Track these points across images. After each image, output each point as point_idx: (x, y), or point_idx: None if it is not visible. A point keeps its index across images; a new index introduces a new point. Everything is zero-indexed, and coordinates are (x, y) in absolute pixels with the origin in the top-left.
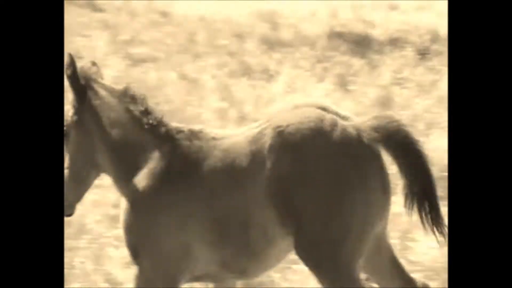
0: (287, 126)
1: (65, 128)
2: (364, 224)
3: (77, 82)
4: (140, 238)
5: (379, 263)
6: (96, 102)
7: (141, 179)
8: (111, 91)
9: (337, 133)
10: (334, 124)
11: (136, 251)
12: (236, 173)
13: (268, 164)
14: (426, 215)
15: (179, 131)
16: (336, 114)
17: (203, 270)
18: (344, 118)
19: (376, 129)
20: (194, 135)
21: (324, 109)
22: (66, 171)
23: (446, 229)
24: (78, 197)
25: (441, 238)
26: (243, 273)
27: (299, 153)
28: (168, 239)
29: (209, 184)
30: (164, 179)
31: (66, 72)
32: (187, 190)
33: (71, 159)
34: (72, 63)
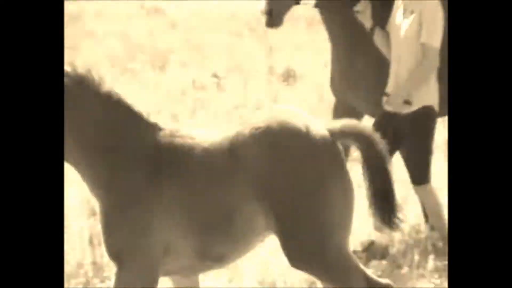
0: (265, 126)
1: None
2: (345, 215)
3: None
4: (123, 240)
5: None
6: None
7: (123, 178)
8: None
9: (312, 133)
10: (307, 125)
11: (118, 253)
12: (216, 171)
13: (248, 162)
14: (383, 213)
15: (160, 128)
16: (308, 118)
17: (180, 262)
18: (315, 122)
19: (345, 131)
20: (173, 133)
21: (296, 113)
22: None
23: (400, 221)
24: None
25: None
26: (221, 260)
27: (276, 152)
28: (149, 239)
29: (191, 182)
30: (146, 178)
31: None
32: (169, 188)
33: None
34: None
